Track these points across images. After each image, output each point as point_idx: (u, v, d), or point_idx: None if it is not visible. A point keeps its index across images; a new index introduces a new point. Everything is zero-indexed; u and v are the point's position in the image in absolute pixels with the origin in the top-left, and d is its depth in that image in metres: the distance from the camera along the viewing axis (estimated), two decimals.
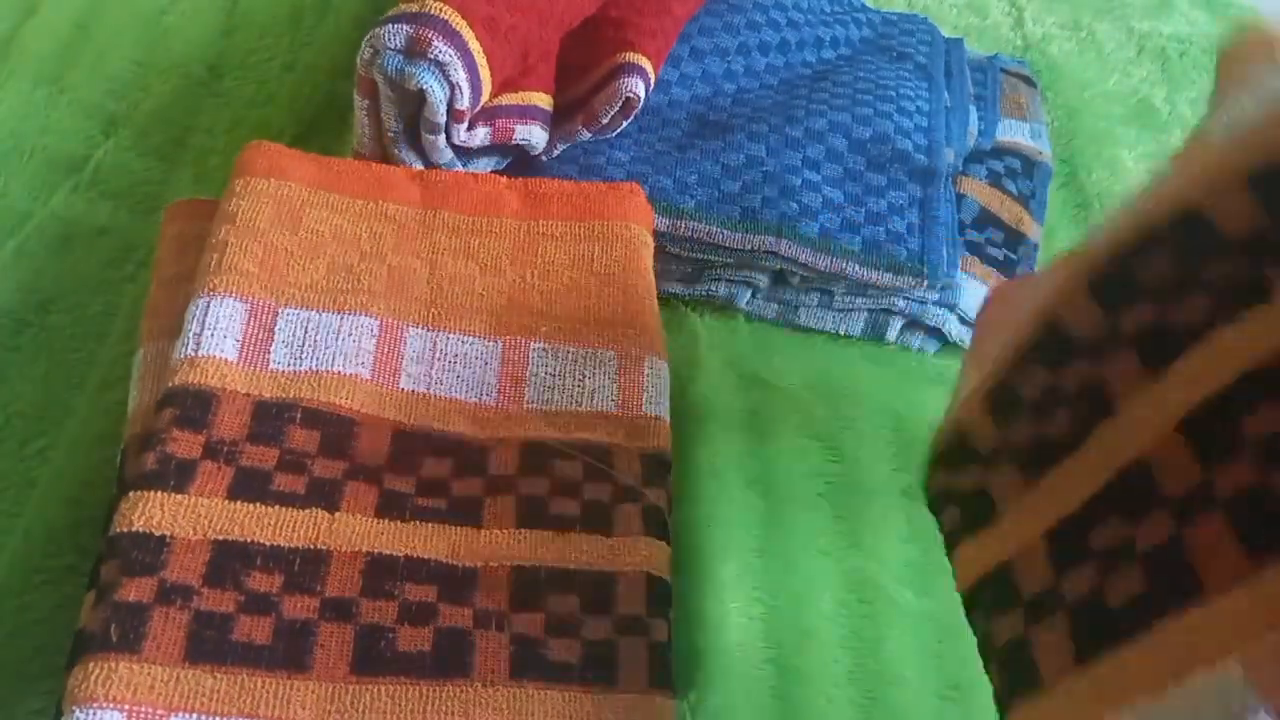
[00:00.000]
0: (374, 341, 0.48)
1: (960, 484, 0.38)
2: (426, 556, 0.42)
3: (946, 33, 0.82)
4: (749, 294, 0.65)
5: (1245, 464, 0.24)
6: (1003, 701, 0.32)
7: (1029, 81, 0.83)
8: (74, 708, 0.35)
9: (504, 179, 0.57)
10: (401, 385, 0.48)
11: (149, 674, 0.36)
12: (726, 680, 0.48)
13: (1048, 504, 0.31)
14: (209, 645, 0.38)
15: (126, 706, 0.36)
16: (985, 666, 0.35)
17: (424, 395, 0.48)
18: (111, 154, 0.65)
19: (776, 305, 0.66)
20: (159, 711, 0.36)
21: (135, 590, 0.38)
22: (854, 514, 0.57)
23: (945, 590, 0.55)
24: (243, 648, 0.38)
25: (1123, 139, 0.82)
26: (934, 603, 0.54)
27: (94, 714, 0.35)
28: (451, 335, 0.50)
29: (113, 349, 0.56)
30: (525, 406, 0.49)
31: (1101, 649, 0.27)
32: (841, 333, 0.66)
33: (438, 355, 0.49)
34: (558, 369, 0.50)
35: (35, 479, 0.51)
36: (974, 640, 0.53)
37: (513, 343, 0.50)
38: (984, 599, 0.35)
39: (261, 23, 0.75)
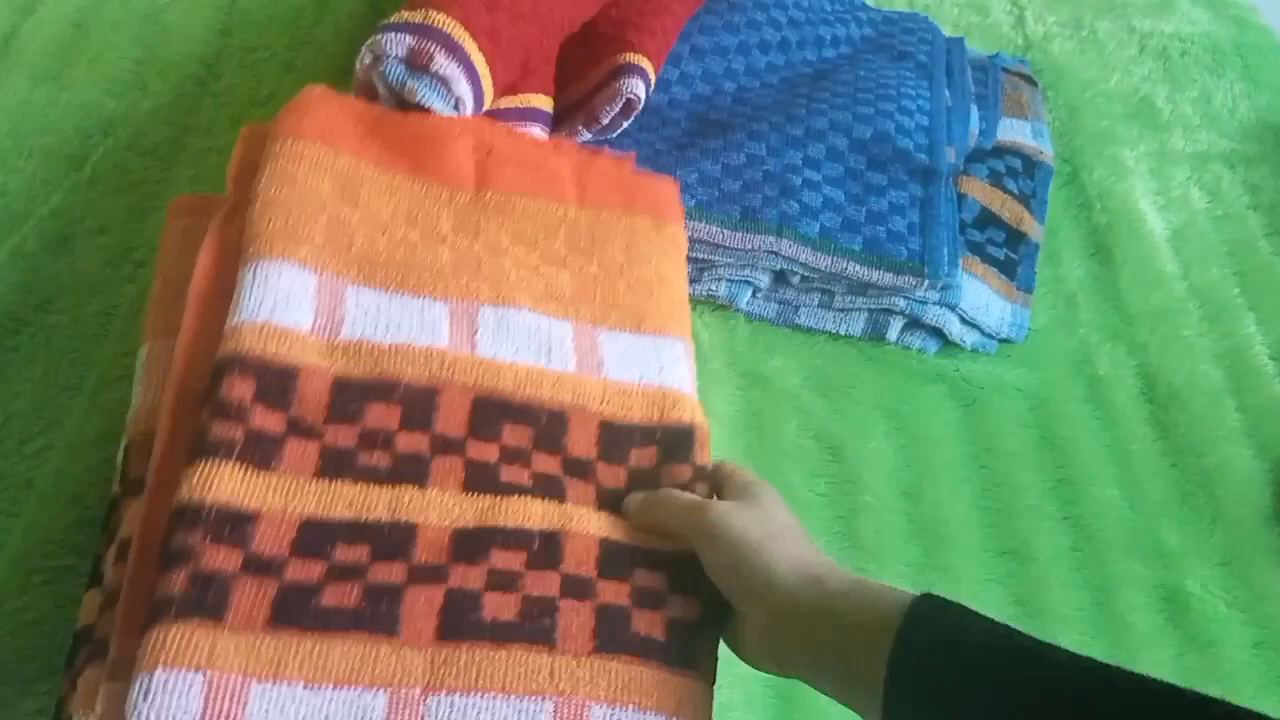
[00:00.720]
0: (447, 324, 0.47)
1: None
2: (512, 526, 0.42)
3: (948, 31, 0.82)
4: (749, 294, 0.65)
5: None
6: None
7: (1030, 80, 0.83)
8: (153, 670, 0.34)
9: (550, 143, 0.56)
10: (479, 352, 0.47)
11: (230, 642, 0.36)
12: (728, 680, 0.48)
13: None
14: (292, 612, 0.37)
15: (206, 672, 0.35)
16: None
17: (501, 363, 0.47)
18: (110, 153, 0.65)
19: (777, 305, 0.66)
20: (236, 677, 0.35)
21: (220, 559, 0.37)
22: (854, 514, 0.57)
23: (945, 590, 0.55)
24: (327, 613, 0.38)
25: (1124, 138, 0.82)
26: None
27: (174, 676, 0.34)
28: (523, 310, 0.49)
29: (111, 349, 0.56)
30: (603, 376, 0.48)
31: None
32: (842, 333, 0.66)
33: (511, 328, 0.48)
34: (630, 351, 0.50)
35: (34, 479, 0.51)
36: None
37: (582, 327, 0.50)
38: None
39: (260, 22, 0.75)
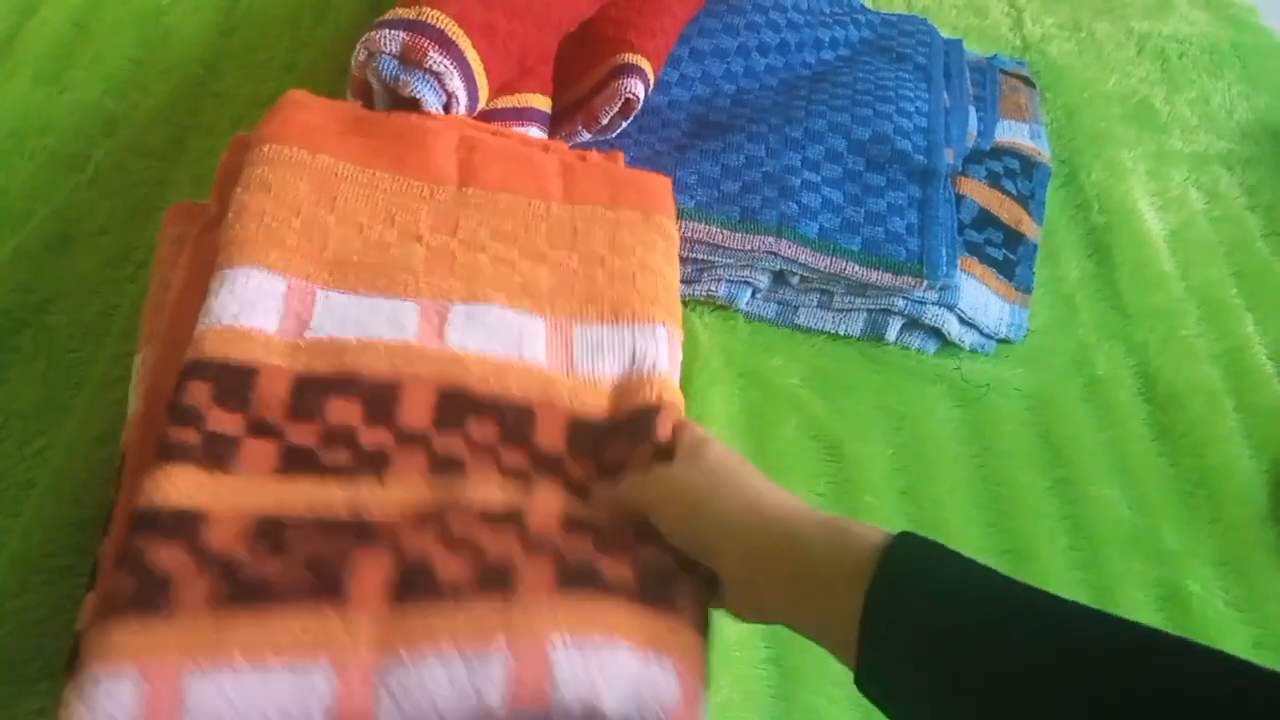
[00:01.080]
0: (416, 322, 0.47)
1: None
2: (475, 502, 0.41)
3: (946, 33, 0.82)
4: (749, 294, 0.65)
5: None
6: None
7: (1028, 82, 0.83)
8: (90, 669, 0.34)
9: (539, 143, 0.56)
10: (447, 343, 0.47)
11: (168, 632, 0.35)
12: (728, 680, 0.48)
13: None
14: (234, 595, 0.36)
15: (141, 665, 0.34)
16: None
17: (468, 356, 0.46)
18: (111, 154, 0.65)
19: (776, 305, 0.66)
20: (172, 665, 0.35)
21: (165, 556, 0.36)
22: (854, 514, 0.57)
23: None
24: (269, 589, 0.37)
25: (1122, 139, 0.82)
26: None
27: (108, 674, 0.34)
28: (494, 306, 0.48)
29: (112, 349, 0.56)
30: (573, 372, 0.48)
31: None
32: (841, 333, 0.66)
33: (481, 324, 0.48)
34: (604, 344, 0.49)
35: (34, 479, 0.51)
36: None
37: (557, 322, 0.49)
38: None
39: (261, 23, 0.75)
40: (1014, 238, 0.71)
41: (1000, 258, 0.70)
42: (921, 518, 0.58)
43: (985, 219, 0.71)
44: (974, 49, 0.84)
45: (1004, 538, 0.58)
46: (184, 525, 0.38)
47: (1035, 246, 0.72)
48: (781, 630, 0.51)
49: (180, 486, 0.39)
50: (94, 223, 0.62)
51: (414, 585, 0.37)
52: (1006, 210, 0.72)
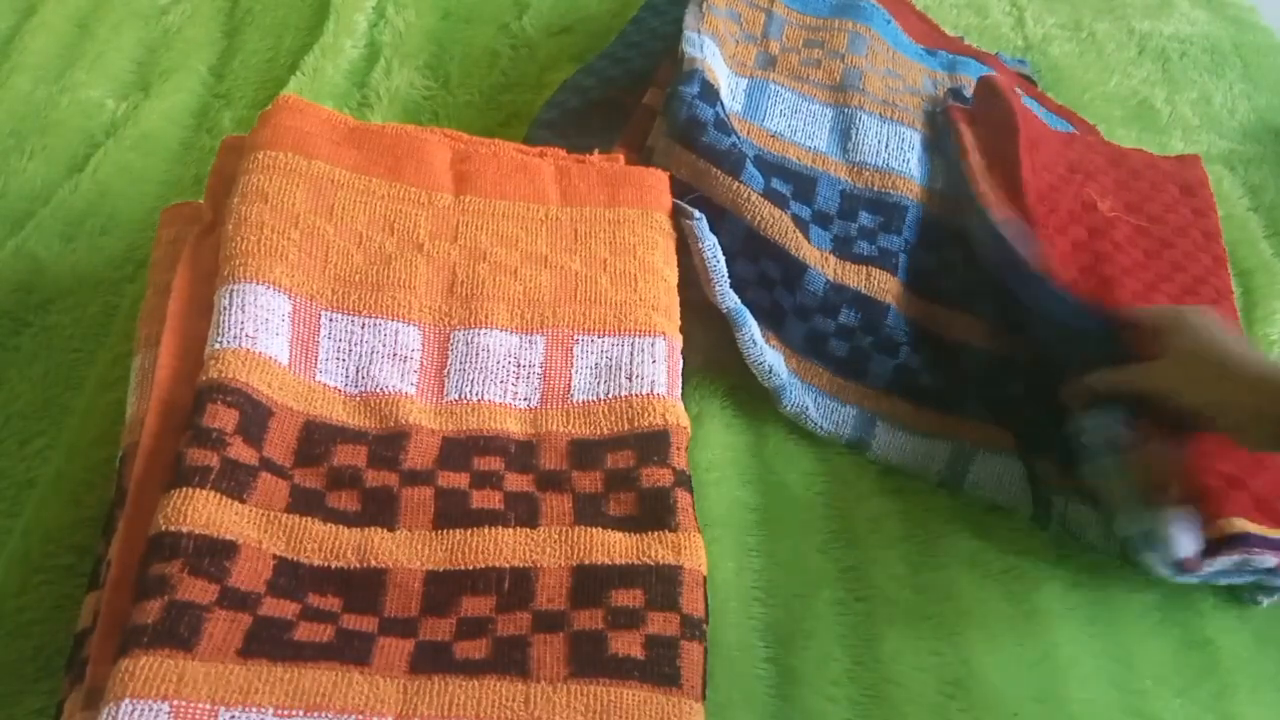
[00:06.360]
0: (418, 354, 0.48)
1: None
2: (482, 566, 0.42)
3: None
4: None
5: None
6: None
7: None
8: (122, 701, 0.34)
9: (534, 150, 0.56)
10: (447, 397, 0.48)
11: (199, 670, 0.36)
12: (726, 680, 0.48)
13: None
14: (264, 643, 0.37)
15: (173, 702, 0.35)
16: None
17: (470, 404, 0.48)
18: (112, 154, 0.65)
19: None
20: (204, 705, 0.35)
21: (196, 590, 0.37)
22: (853, 513, 0.57)
23: (944, 589, 0.55)
24: (299, 646, 0.38)
25: (1123, 139, 0.82)
26: (933, 601, 0.54)
27: (141, 707, 0.35)
28: (495, 332, 0.49)
29: (112, 349, 0.56)
30: (572, 401, 0.49)
31: None
32: None
33: (480, 358, 0.48)
34: (607, 360, 0.50)
35: (34, 479, 0.51)
36: (973, 640, 0.53)
37: (557, 338, 0.50)
38: None
39: (262, 23, 0.75)
40: None
41: None
42: (920, 516, 0.58)
43: None
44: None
45: (1003, 536, 0.58)
46: (210, 556, 0.39)
47: None
48: (781, 630, 0.51)
49: (202, 511, 0.39)
50: (95, 223, 0.62)
51: (433, 662, 0.39)
52: None
